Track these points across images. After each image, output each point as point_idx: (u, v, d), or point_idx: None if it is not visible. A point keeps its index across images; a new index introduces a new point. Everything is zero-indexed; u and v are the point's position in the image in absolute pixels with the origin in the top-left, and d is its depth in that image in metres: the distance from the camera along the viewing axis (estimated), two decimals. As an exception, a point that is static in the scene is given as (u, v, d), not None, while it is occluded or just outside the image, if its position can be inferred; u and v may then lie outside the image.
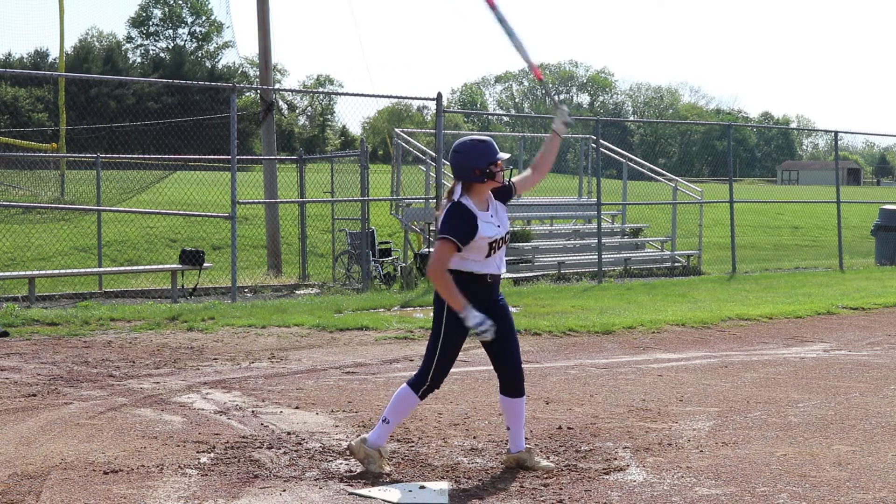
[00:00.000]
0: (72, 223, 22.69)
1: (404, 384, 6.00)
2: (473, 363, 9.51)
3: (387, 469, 5.91)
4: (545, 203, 22.94)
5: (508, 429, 6.06)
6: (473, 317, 5.65)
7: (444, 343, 5.88)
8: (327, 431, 6.93)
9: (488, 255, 5.81)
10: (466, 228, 5.73)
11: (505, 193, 6.00)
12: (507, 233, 5.94)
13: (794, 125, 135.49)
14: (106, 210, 18.59)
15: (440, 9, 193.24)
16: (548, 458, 6.25)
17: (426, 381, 5.92)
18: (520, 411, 6.03)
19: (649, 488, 5.64)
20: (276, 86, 66.94)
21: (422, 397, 5.97)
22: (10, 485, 5.56)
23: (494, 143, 5.87)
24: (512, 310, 13.65)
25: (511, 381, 5.98)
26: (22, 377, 8.79)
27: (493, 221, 5.83)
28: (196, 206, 20.83)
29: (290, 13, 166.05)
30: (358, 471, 5.93)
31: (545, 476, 5.85)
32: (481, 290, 5.83)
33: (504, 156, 5.85)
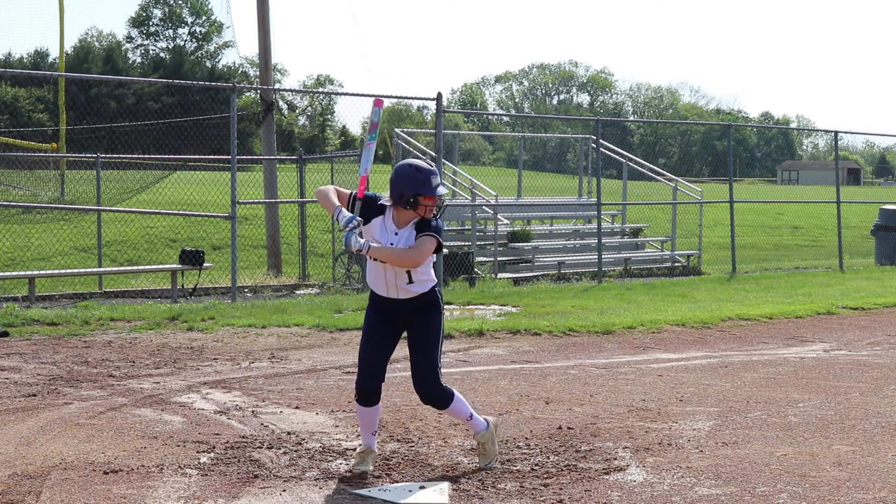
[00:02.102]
0: (72, 223, 22.67)
1: None
2: (473, 363, 9.50)
3: (368, 468, 5.93)
4: (545, 203, 22.94)
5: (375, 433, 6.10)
6: (341, 213, 5.66)
7: (361, 343, 6.04)
8: (327, 431, 6.93)
9: (371, 257, 5.80)
10: (373, 201, 5.81)
11: (417, 230, 5.85)
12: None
13: (794, 125, 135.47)
14: (106, 210, 18.58)
15: (440, 9, 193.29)
16: (548, 457, 6.26)
17: (355, 386, 6.01)
18: (456, 412, 6.01)
19: (649, 488, 5.64)
20: (276, 86, 66.93)
21: (360, 403, 5.98)
22: (10, 485, 5.56)
23: (434, 178, 5.76)
24: (512, 310, 13.71)
25: (420, 397, 6.00)
26: (22, 377, 8.79)
27: (390, 233, 5.79)
28: (196, 206, 20.82)
29: (290, 13, 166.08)
30: (358, 471, 5.93)
31: (546, 476, 5.85)
32: (381, 302, 5.94)
33: (440, 192, 5.78)
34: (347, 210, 5.75)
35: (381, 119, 6.11)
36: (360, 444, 6.17)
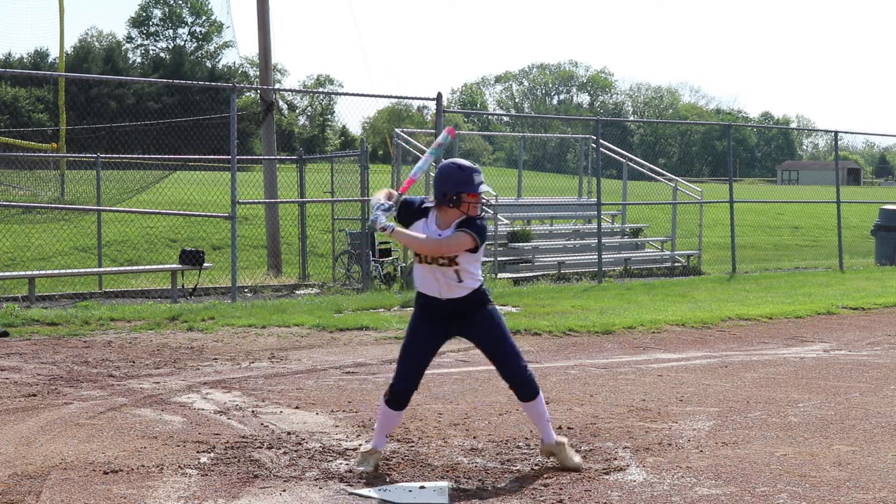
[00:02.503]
0: (72, 223, 22.67)
1: None
2: (473, 363, 9.51)
3: (370, 468, 5.93)
4: (545, 203, 22.95)
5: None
6: (375, 198, 5.81)
7: (401, 352, 5.99)
8: (327, 431, 6.93)
9: (417, 261, 5.84)
10: (414, 204, 5.88)
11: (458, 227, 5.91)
12: (445, 259, 5.78)
13: (794, 125, 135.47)
14: (106, 210, 18.58)
15: (440, 9, 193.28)
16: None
17: (389, 387, 6.01)
18: (537, 412, 6.05)
19: (649, 488, 5.64)
20: (276, 86, 66.93)
21: (388, 405, 5.98)
22: (10, 485, 5.56)
23: (476, 176, 5.80)
24: (511, 310, 13.71)
25: (515, 386, 6.01)
26: (22, 377, 8.79)
27: (433, 235, 5.83)
28: (196, 206, 20.82)
29: (290, 13, 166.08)
30: (358, 471, 5.93)
31: (546, 476, 5.85)
32: (431, 305, 5.90)
33: (483, 189, 5.83)
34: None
35: (447, 143, 6.25)
36: (366, 444, 6.16)
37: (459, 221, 5.81)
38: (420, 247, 5.77)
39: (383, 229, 5.66)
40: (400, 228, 5.76)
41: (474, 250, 5.82)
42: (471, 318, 5.92)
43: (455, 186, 5.78)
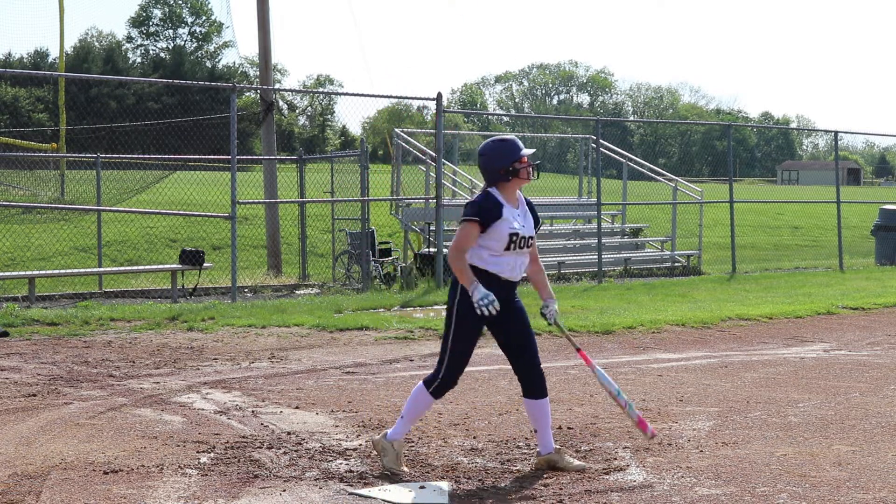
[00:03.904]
0: (72, 223, 22.67)
1: (420, 381, 6.03)
2: (473, 363, 9.47)
3: (402, 468, 5.90)
4: (545, 203, 22.92)
5: (535, 431, 6.08)
6: (479, 290, 5.72)
7: (455, 338, 5.90)
8: (327, 431, 6.93)
9: (507, 248, 5.84)
10: (490, 206, 5.84)
11: (534, 220, 6.06)
12: (531, 238, 5.95)
13: (794, 125, 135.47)
14: (106, 210, 18.58)
15: (440, 9, 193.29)
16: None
17: (438, 377, 5.94)
18: (543, 412, 6.03)
19: (649, 488, 5.64)
20: (276, 86, 66.91)
21: (434, 394, 5.96)
22: (10, 485, 5.56)
23: (518, 142, 5.95)
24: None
25: (530, 382, 6.00)
26: (22, 377, 8.79)
27: (518, 218, 5.90)
28: (196, 206, 20.82)
29: (290, 13, 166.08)
30: (358, 471, 5.93)
31: (546, 476, 5.85)
32: (493, 290, 5.83)
33: (528, 152, 5.93)
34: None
35: (636, 417, 6.24)
36: (395, 440, 5.93)
37: (529, 205, 6.01)
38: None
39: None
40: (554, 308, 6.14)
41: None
42: (512, 303, 5.99)
43: (506, 160, 5.85)
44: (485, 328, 5.95)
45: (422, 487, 5.64)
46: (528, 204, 6.04)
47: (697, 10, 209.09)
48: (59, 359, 9.75)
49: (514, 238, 5.83)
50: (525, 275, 6.08)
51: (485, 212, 5.82)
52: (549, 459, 5.98)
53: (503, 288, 5.90)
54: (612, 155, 24.35)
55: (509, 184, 5.89)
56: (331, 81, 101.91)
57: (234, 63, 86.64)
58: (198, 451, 6.32)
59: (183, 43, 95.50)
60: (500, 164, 5.86)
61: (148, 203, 22.97)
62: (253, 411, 7.51)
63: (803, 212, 39.51)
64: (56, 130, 29.21)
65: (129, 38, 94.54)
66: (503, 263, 5.88)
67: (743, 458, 6.27)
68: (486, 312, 5.70)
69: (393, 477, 5.80)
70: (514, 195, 5.95)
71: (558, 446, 6.08)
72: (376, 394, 8.22)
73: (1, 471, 5.83)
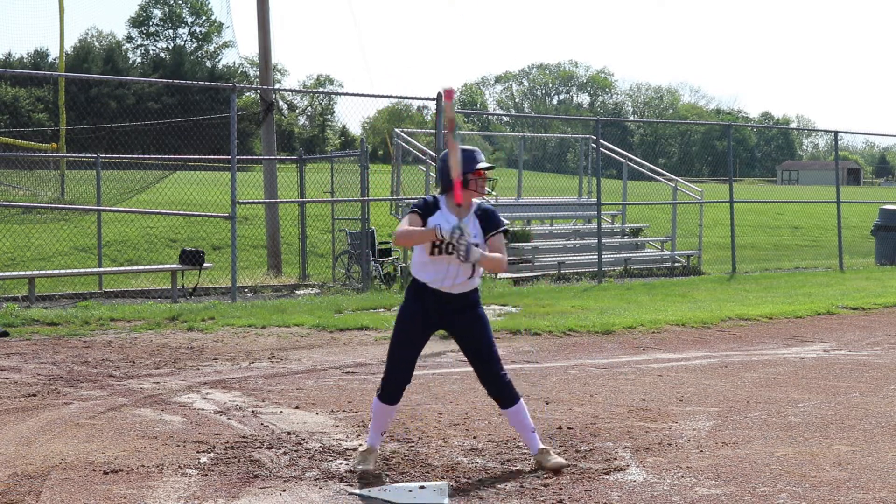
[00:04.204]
0: (72, 223, 22.67)
1: None
2: (473, 363, 9.50)
3: (367, 467, 5.93)
4: (545, 203, 22.94)
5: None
6: (440, 227, 5.71)
7: (392, 342, 6.00)
8: (327, 431, 6.93)
9: (431, 253, 5.82)
10: (430, 205, 5.88)
11: (485, 227, 5.95)
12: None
13: (794, 125, 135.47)
14: (106, 210, 18.57)
15: (440, 9, 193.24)
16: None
17: (381, 381, 6.03)
18: (517, 419, 6.04)
19: (649, 488, 5.64)
20: (276, 86, 66.92)
21: (380, 399, 6.01)
22: (10, 485, 5.56)
23: (476, 154, 5.94)
24: (511, 310, 13.70)
25: (495, 393, 6.03)
26: (22, 377, 8.79)
27: (452, 223, 5.81)
28: (196, 206, 20.82)
29: (290, 13, 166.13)
30: (358, 470, 5.93)
31: (546, 476, 5.85)
32: (426, 300, 5.88)
33: (484, 165, 5.93)
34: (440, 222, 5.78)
35: (454, 113, 5.96)
36: (363, 443, 6.17)
37: (479, 214, 5.91)
38: (498, 266, 5.84)
39: (475, 262, 5.72)
40: (486, 255, 5.77)
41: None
42: (464, 315, 5.94)
43: (463, 167, 5.84)
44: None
45: (422, 487, 5.64)
46: (486, 214, 5.94)
47: (697, 10, 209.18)
48: (59, 359, 9.75)
49: (438, 243, 5.79)
50: (468, 289, 5.92)
51: (425, 206, 5.88)
52: (537, 460, 6.01)
53: (439, 300, 5.89)
54: (612, 155, 24.34)
55: (462, 192, 5.86)
56: (331, 81, 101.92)
57: (234, 63, 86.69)
58: (198, 451, 6.32)
59: (183, 43, 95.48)
60: (454, 172, 5.84)
61: (148, 203, 22.97)
62: (253, 411, 7.51)
63: (803, 212, 39.51)
64: (56, 130, 29.21)
65: (129, 38, 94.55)
66: (429, 271, 5.87)
67: (743, 458, 6.27)
68: (452, 237, 5.64)
69: (363, 475, 5.81)
70: (465, 204, 5.90)
71: (543, 447, 6.07)
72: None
73: (1, 471, 5.83)
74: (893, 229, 22.78)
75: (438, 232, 5.68)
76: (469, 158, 5.89)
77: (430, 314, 5.93)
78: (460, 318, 5.94)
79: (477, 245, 5.77)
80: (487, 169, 5.92)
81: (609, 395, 8.29)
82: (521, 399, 6.07)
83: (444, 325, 5.98)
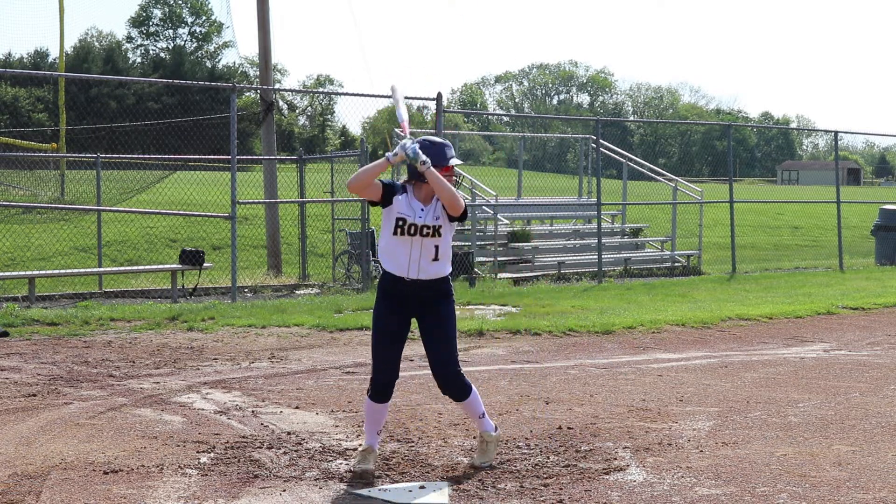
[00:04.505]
0: (72, 223, 22.67)
1: None
2: (473, 363, 9.49)
3: (368, 467, 5.91)
4: (545, 203, 22.94)
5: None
6: (401, 146, 5.77)
7: (373, 341, 6.01)
8: (327, 431, 6.93)
9: (394, 233, 5.85)
10: (395, 184, 5.92)
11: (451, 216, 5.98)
12: (429, 229, 5.86)
13: (794, 125, 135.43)
14: (106, 210, 18.57)
15: (440, 9, 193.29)
16: (548, 457, 6.26)
17: (370, 381, 6.04)
18: (471, 409, 6.09)
19: (649, 488, 5.64)
20: (276, 86, 66.91)
21: (370, 398, 6.01)
22: (10, 485, 5.56)
23: (447, 149, 5.98)
24: (511, 310, 13.70)
25: (442, 385, 6.05)
26: (22, 377, 8.79)
27: (416, 209, 5.87)
28: (196, 206, 20.82)
29: (290, 13, 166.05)
30: (357, 469, 5.93)
31: (546, 476, 5.85)
32: (395, 289, 5.91)
33: (455, 162, 5.97)
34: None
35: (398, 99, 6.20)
36: (361, 443, 6.17)
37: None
38: (449, 194, 5.80)
39: (423, 162, 5.73)
40: (433, 170, 5.80)
41: (461, 218, 5.91)
42: (433, 305, 5.94)
43: (431, 160, 5.86)
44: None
45: (422, 487, 5.64)
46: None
47: (697, 10, 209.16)
48: (59, 359, 9.75)
49: (402, 224, 5.83)
50: (435, 276, 5.92)
51: (391, 183, 5.92)
52: (484, 437, 6.10)
53: (410, 290, 5.89)
54: (612, 155, 24.35)
55: (425, 184, 5.89)
56: (331, 81, 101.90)
57: (234, 63, 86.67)
58: (198, 451, 6.32)
59: (183, 43, 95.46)
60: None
61: (148, 203, 22.97)
62: (253, 411, 7.51)
63: (803, 212, 39.52)
64: (56, 130, 29.21)
65: (129, 38, 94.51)
66: (394, 255, 5.88)
67: (743, 458, 6.27)
68: (411, 151, 5.71)
69: (363, 475, 5.81)
70: (427, 194, 5.91)
71: (496, 435, 6.12)
72: (376, 394, 8.21)
73: (1, 471, 5.83)
74: (893, 229, 22.78)
75: (390, 155, 5.75)
76: (440, 153, 5.92)
77: (403, 306, 5.93)
78: (430, 310, 5.94)
79: (427, 167, 5.75)
80: (457, 165, 5.99)
81: (609, 395, 8.29)
82: (473, 388, 6.10)
83: (416, 314, 5.98)
